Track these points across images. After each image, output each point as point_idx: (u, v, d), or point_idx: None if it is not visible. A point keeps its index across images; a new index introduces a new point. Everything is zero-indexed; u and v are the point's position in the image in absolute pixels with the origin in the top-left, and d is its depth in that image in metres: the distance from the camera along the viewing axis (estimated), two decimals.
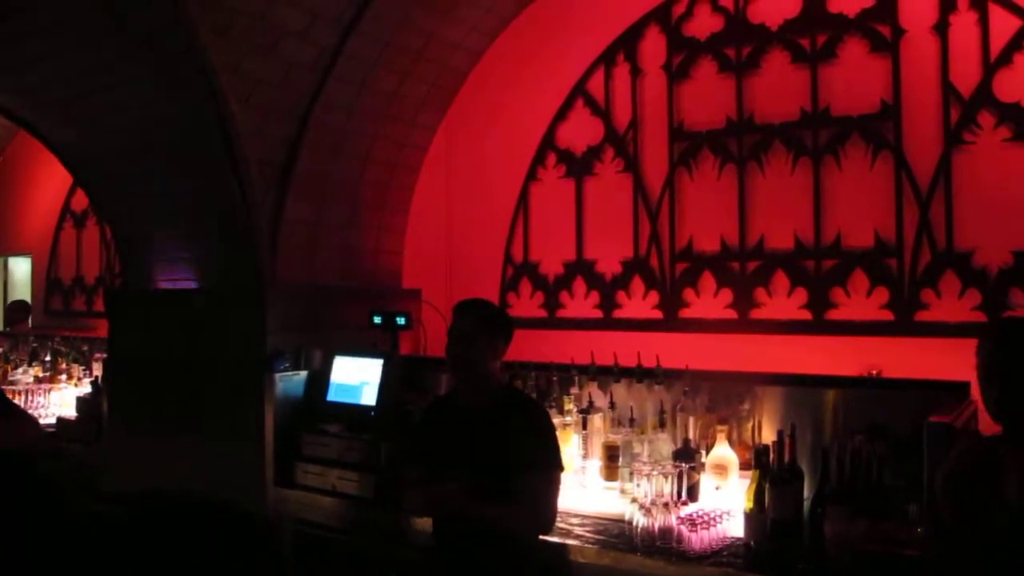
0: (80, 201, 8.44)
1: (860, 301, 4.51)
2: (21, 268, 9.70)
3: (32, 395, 6.28)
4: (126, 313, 5.49)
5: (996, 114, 4.21)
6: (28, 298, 9.08)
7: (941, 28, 4.32)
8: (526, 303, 5.61)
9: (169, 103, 4.59)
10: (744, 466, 3.45)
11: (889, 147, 4.45)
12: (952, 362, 3.11)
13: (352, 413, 4.45)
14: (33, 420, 4.27)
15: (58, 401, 6.39)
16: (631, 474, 3.51)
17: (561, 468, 3.28)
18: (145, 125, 4.81)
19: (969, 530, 2.44)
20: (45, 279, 9.02)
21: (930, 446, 2.70)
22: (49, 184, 8.86)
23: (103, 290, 8.15)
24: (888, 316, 4.43)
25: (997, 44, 4.20)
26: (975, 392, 2.78)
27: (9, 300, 9.31)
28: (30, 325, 8.57)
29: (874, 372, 4.19)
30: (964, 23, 4.27)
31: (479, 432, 3.29)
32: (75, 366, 6.77)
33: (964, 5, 4.27)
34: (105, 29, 4.34)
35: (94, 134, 5.18)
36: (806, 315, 4.63)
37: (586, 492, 3.80)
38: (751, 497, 3.13)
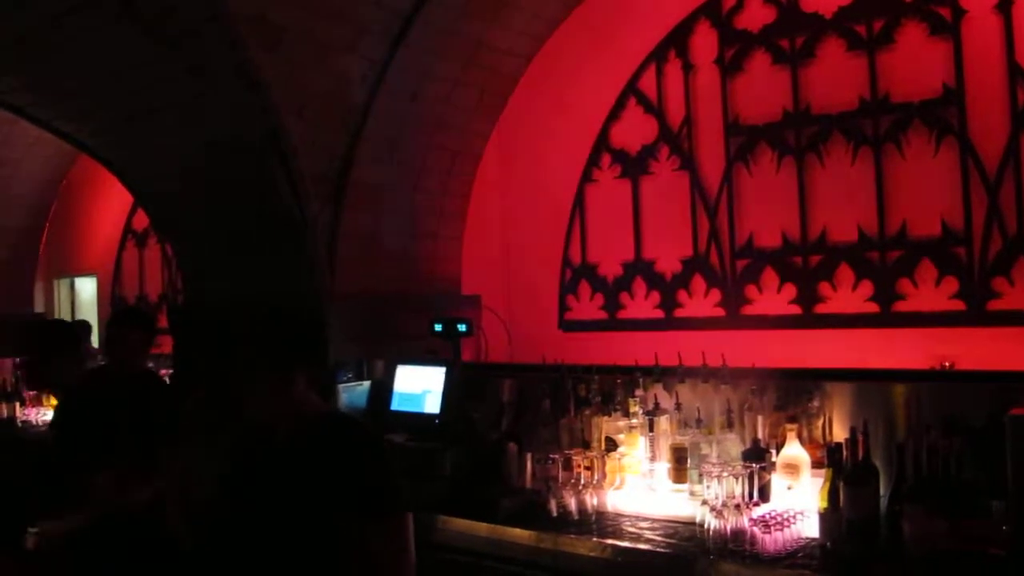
0: (141, 220, 8.58)
1: (929, 292, 4.40)
2: (87, 288, 9.91)
3: None
4: (189, 329, 5.56)
5: None
6: (95, 317, 9.26)
7: (1004, 6, 4.21)
8: (586, 305, 5.58)
9: (223, 120, 4.65)
10: (816, 465, 3.37)
11: (953, 132, 4.33)
12: None
13: (416, 422, 4.45)
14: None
15: None
16: (700, 476, 3.45)
17: None
18: (201, 143, 4.88)
19: None
20: (110, 298, 9.20)
21: (1013, 440, 2.62)
22: (111, 205, 9.04)
23: (166, 307, 8.28)
24: (959, 306, 4.32)
25: None
26: None
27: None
28: (95, 344, 8.72)
29: (946, 364, 4.09)
30: None
31: None
32: None
33: None
34: (157, 52, 4.41)
35: (151, 154, 5.26)
36: (873, 308, 4.53)
37: (655, 495, 3.75)
38: (825, 496, 3.06)
